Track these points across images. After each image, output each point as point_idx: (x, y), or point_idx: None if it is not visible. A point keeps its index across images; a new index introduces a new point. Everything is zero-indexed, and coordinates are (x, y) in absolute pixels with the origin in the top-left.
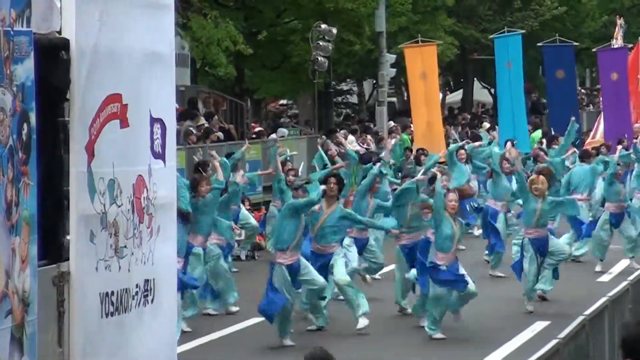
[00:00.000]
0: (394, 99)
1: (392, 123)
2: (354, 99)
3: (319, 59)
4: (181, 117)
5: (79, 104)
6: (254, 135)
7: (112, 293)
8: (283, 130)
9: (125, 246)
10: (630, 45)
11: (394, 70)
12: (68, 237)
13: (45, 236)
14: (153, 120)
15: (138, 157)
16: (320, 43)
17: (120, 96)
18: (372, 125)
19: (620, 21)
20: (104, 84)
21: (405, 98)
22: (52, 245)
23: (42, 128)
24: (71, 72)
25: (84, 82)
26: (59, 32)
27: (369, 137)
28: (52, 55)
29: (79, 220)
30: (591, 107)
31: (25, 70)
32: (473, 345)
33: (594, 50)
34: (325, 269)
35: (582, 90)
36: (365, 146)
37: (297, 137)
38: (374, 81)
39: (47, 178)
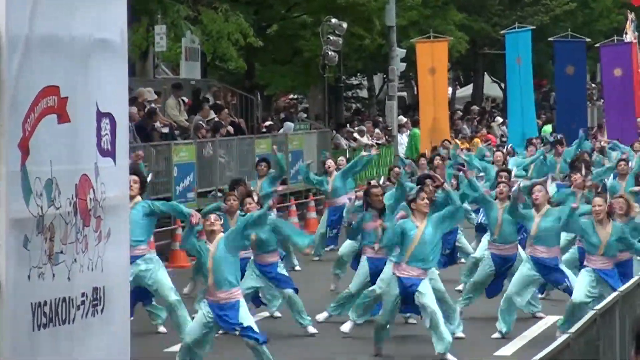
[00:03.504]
0: (404, 94)
1: (402, 118)
2: (364, 93)
3: (329, 53)
4: (191, 110)
5: (10, 97)
6: (264, 130)
7: (45, 303)
8: (289, 125)
9: (61, 252)
10: (634, 41)
11: (404, 64)
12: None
13: None
14: (100, 115)
15: (81, 155)
16: (331, 37)
17: (57, 88)
18: (381, 119)
19: (631, 16)
20: (39, 75)
21: (415, 92)
22: None
23: None
24: (1, 62)
25: (16, 73)
26: None
27: (377, 131)
28: None
29: (12, 224)
30: (602, 101)
31: None
32: (484, 339)
33: (596, 45)
34: None
35: (593, 85)
36: (375, 140)
37: (308, 132)
38: (384, 75)
39: None
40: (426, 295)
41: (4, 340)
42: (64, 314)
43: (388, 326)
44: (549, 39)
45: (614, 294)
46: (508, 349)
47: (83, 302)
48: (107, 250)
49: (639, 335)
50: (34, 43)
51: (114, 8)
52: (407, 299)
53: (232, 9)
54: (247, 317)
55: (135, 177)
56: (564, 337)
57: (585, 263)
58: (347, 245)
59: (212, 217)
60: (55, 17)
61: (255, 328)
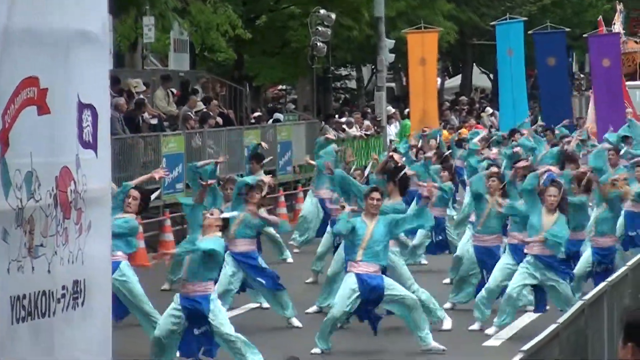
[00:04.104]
0: (393, 84)
1: (391, 109)
2: (352, 84)
3: (318, 44)
4: (179, 102)
5: None
6: (253, 120)
7: (25, 297)
8: (278, 115)
9: (41, 245)
10: (623, 31)
11: (393, 55)
12: None
13: None
14: (82, 107)
15: (62, 147)
16: (319, 28)
17: (37, 79)
18: (369, 110)
19: (619, 6)
20: (18, 66)
21: (404, 83)
22: None
23: None
24: None
25: None
26: None
27: (366, 122)
28: None
29: None
30: (590, 91)
31: None
32: (472, 331)
33: (584, 35)
34: None
35: (582, 75)
36: (364, 131)
37: (296, 122)
38: (373, 66)
39: None
40: (394, 287)
41: None
42: (44, 307)
43: (339, 324)
44: (529, 32)
45: (602, 284)
46: (496, 340)
47: (63, 296)
48: (88, 242)
49: (629, 325)
50: (12, 34)
51: None
52: (370, 297)
53: (221, 0)
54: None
55: (136, 194)
56: (553, 327)
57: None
58: (325, 243)
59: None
60: (34, 8)
61: None
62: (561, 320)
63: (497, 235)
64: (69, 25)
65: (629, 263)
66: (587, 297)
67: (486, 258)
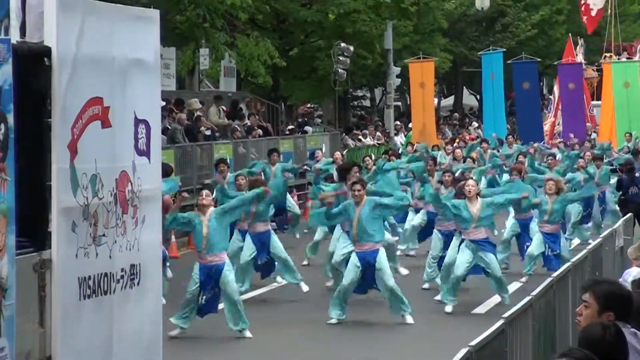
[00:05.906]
0: (399, 103)
1: (398, 123)
2: (367, 102)
3: (339, 71)
4: (228, 117)
5: (60, 106)
6: (287, 132)
7: (90, 277)
8: (308, 128)
9: (104, 235)
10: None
11: (399, 80)
12: None
13: (28, 227)
14: (138, 121)
15: (121, 155)
16: (340, 58)
17: (101, 99)
18: (380, 124)
19: (580, 42)
20: (85, 88)
21: (408, 102)
22: (35, 235)
23: (23, 128)
24: (52, 77)
25: (65, 86)
26: None
27: (378, 133)
28: (33, 62)
29: (61, 212)
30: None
31: (2, 75)
32: (460, 300)
33: (554, 64)
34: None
35: (550, 96)
36: (376, 141)
37: (322, 134)
38: (383, 89)
39: (29, 174)
40: (382, 270)
41: (55, 308)
42: (106, 286)
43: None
44: (508, 61)
45: (567, 264)
46: (482, 309)
47: (122, 277)
48: (142, 233)
49: (608, 296)
50: (80, 61)
51: (148, 33)
52: (367, 272)
53: (261, 35)
54: None
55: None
56: (527, 298)
57: (463, 236)
58: (320, 232)
59: (204, 192)
60: (98, 40)
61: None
62: (534, 293)
63: None
64: (127, 55)
65: (589, 247)
66: (555, 274)
67: None
